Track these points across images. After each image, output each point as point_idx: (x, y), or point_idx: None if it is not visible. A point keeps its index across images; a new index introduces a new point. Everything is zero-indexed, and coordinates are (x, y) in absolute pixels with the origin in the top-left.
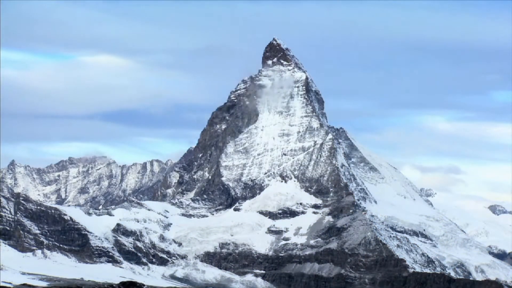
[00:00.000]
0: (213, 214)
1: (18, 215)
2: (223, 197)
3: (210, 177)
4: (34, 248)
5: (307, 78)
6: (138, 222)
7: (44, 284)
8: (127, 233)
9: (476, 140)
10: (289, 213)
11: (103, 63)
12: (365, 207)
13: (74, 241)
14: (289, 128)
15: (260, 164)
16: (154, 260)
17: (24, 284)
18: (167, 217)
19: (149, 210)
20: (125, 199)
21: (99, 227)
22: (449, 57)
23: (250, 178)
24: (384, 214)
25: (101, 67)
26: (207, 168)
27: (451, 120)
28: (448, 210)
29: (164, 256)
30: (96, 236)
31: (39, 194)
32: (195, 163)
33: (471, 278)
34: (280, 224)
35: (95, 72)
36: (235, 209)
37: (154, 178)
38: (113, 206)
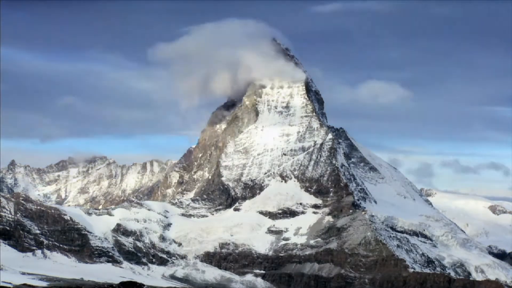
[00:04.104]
0: (213, 214)
1: (18, 215)
2: (223, 197)
3: (210, 177)
4: (34, 248)
5: (307, 78)
6: (138, 222)
7: (44, 284)
8: (127, 233)
9: None
10: (289, 213)
11: None
12: (365, 207)
13: (74, 241)
14: (289, 128)
15: (260, 164)
16: (154, 260)
17: (24, 284)
18: (167, 217)
19: (149, 210)
20: (125, 199)
21: (99, 227)
22: None
23: (250, 178)
24: (384, 214)
25: None
26: (207, 168)
27: None
28: (448, 210)
29: (164, 256)
30: (96, 236)
31: (39, 194)
32: (195, 163)
33: (471, 278)
34: (280, 224)
35: None
36: (235, 209)
37: (154, 178)
38: (113, 206)
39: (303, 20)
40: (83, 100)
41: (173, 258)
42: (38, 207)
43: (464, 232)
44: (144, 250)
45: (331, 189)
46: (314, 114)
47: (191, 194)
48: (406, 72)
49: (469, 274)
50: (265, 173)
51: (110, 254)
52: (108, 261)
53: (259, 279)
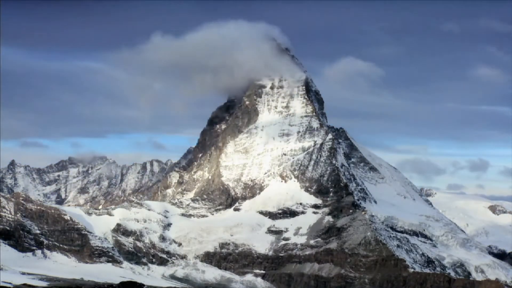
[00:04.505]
0: (213, 214)
1: (18, 215)
2: (223, 197)
3: (210, 177)
4: (34, 248)
5: (307, 78)
6: (138, 222)
7: (44, 284)
8: (127, 233)
9: None
10: (289, 213)
11: None
12: (365, 207)
13: (74, 241)
14: (289, 128)
15: (260, 164)
16: (154, 260)
17: (24, 284)
18: (167, 217)
19: (149, 210)
20: (125, 199)
21: (99, 227)
22: None
23: (250, 178)
24: (384, 214)
25: None
26: (207, 168)
27: None
28: (448, 210)
29: (164, 256)
30: (96, 236)
31: (39, 194)
32: (195, 163)
33: (471, 278)
34: (280, 224)
35: None
36: (235, 209)
37: (154, 178)
38: (113, 206)
39: (302, 17)
40: (83, 100)
41: (173, 258)
42: (38, 207)
43: (464, 232)
44: (144, 250)
45: (331, 189)
46: (314, 114)
47: (191, 194)
48: (404, 70)
49: (469, 274)
50: (265, 173)
51: (110, 254)
52: (108, 261)
53: (259, 279)
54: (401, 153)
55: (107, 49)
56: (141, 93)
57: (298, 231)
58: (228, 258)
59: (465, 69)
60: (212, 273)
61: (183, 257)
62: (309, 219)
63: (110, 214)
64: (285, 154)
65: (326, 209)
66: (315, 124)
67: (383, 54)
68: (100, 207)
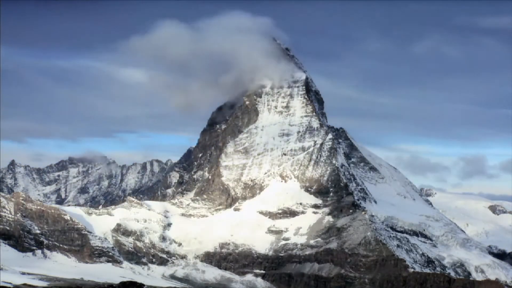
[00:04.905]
0: (213, 214)
1: (18, 215)
2: (223, 197)
3: (210, 177)
4: (34, 248)
5: (307, 78)
6: (138, 222)
7: (44, 284)
8: (127, 233)
9: None
10: (289, 213)
11: None
12: (365, 207)
13: (74, 241)
14: (289, 128)
15: (260, 164)
16: (154, 260)
17: (24, 284)
18: (167, 217)
19: (149, 210)
20: (125, 199)
21: (99, 227)
22: None
23: (250, 178)
24: (384, 214)
25: None
26: (207, 168)
27: None
28: (448, 210)
29: (164, 256)
30: (96, 236)
31: (39, 194)
32: (195, 163)
33: (471, 278)
34: (280, 224)
35: None
36: (235, 209)
37: (154, 178)
38: (113, 206)
39: (302, 16)
40: (83, 99)
41: (173, 258)
42: (38, 207)
43: (464, 232)
44: (144, 250)
45: (331, 189)
46: (314, 114)
47: (191, 194)
48: (404, 69)
49: (469, 274)
50: (265, 173)
51: (110, 254)
52: (108, 261)
53: (259, 279)
54: (400, 151)
55: (107, 48)
56: (141, 92)
57: (298, 231)
58: (228, 258)
59: (465, 69)
60: (212, 273)
61: (183, 257)
62: (309, 219)
63: (110, 214)
64: (285, 154)
65: (326, 209)
66: (315, 124)
67: (383, 53)
68: (100, 207)
